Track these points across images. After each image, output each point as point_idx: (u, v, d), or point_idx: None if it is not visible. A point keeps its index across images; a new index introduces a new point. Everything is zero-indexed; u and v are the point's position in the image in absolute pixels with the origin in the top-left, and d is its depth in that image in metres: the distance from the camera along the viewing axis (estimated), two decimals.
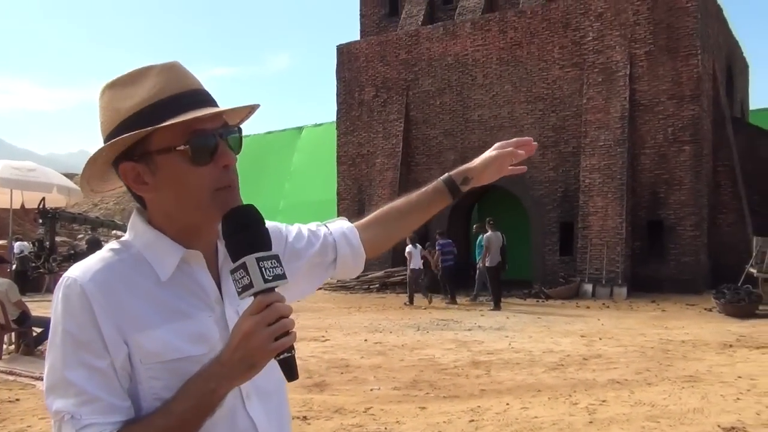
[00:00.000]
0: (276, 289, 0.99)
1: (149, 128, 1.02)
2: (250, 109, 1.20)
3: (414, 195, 1.48)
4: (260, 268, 0.97)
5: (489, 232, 13.83)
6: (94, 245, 19.18)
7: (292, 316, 0.98)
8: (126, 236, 1.12)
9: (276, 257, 1.00)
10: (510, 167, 1.56)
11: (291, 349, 0.97)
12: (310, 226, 1.44)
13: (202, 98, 1.08)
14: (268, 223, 1.24)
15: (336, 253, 1.41)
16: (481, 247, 14.62)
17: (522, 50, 17.96)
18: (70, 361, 0.98)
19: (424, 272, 17.32)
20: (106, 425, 0.97)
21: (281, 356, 0.97)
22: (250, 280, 0.96)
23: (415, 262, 15.10)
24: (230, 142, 1.09)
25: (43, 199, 14.55)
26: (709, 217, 16.70)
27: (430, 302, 14.78)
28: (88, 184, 1.14)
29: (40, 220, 18.36)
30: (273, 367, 1.16)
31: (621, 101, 16.44)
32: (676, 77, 16.05)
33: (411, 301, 14.90)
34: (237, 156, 1.11)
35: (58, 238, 19.55)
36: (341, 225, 1.46)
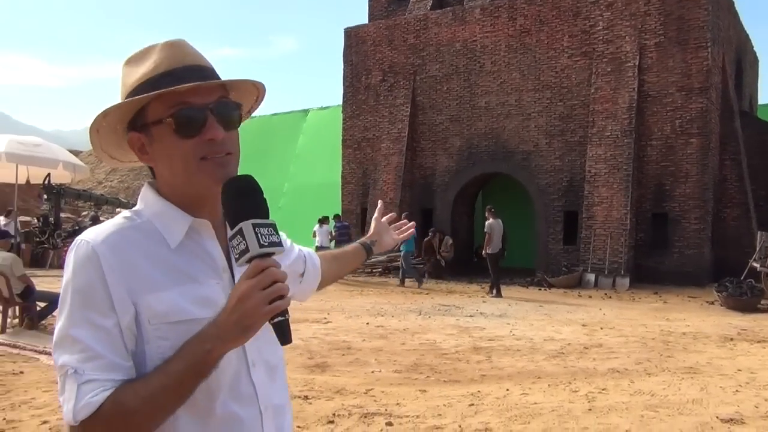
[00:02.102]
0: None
1: (121, 102, 1.10)
2: (256, 90, 1.25)
3: (343, 250, 1.82)
4: (256, 234, 1.00)
5: (491, 219, 13.83)
6: (96, 222, 19.27)
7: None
8: (137, 206, 1.17)
9: (273, 225, 1.04)
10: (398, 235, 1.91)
11: (285, 313, 1.00)
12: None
13: (199, 74, 1.11)
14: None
15: (305, 267, 1.52)
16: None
17: (531, 38, 17.84)
18: (76, 319, 1.02)
19: (428, 258, 17.44)
20: (107, 381, 1.00)
21: (275, 320, 0.99)
22: (246, 246, 0.99)
23: (320, 240, 16.90)
24: (222, 117, 1.12)
25: (48, 174, 14.59)
26: (714, 210, 16.66)
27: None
28: (103, 152, 1.21)
29: (45, 196, 18.41)
30: (278, 345, 1.19)
31: (629, 92, 16.35)
32: (685, 69, 15.94)
33: None
34: (233, 130, 1.15)
35: (62, 215, 19.60)
36: (305, 248, 1.61)
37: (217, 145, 1.10)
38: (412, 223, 1.95)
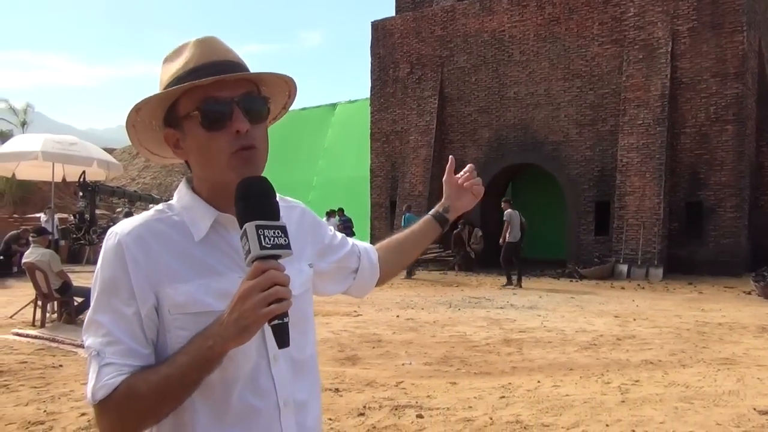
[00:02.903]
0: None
1: (149, 97, 1.13)
2: (286, 86, 1.26)
3: (410, 230, 1.63)
4: (259, 235, 1.00)
5: (510, 210, 13.91)
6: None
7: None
8: (172, 199, 1.22)
9: (281, 228, 1.03)
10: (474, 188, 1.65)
11: (284, 316, 1.00)
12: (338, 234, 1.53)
13: (227, 68, 1.13)
14: (313, 216, 1.38)
15: (359, 263, 1.49)
16: (404, 226, 15.69)
17: (560, 26, 17.61)
18: (101, 305, 1.10)
19: (458, 250, 17.40)
20: (124, 366, 1.06)
21: (273, 322, 0.99)
22: (249, 247, 1.00)
23: None
24: (248, 110, 1.14)
25: (84, 172, 14.85)
26: (751, 198, 16.29)
27: None
28: (143, 147, 1.26)
29: (81, 193, 18.77)
30: (306, 338, 1.22)
31: (662, 79, 16.04)
32: (720, 54, 15.58)
33: None
34: (260, 124, 1.17)
35: (97, 211, 19.97)
36: (363, 243, 1.56)
37: (243, 138, 1.12)
38: (478, 180, 1.65)
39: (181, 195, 1.21)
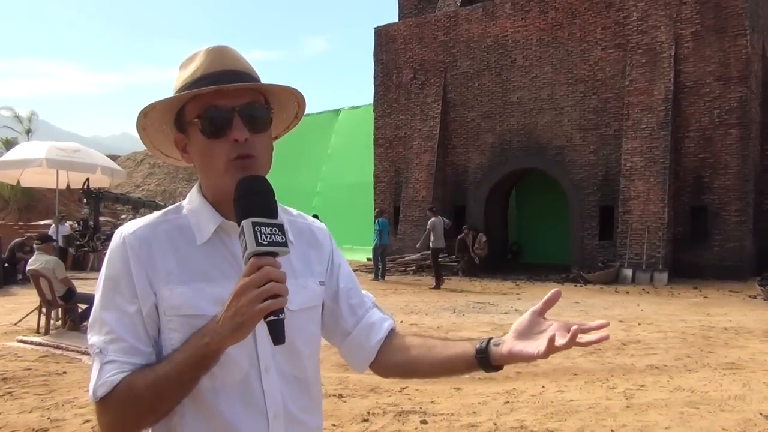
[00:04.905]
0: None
1: (154, 102, 1.16)
2: (294, 98, 1.25)
3: (450, 351, 1.28)
4: (255, 232, 1.00)
5: (434, 218, 14.85)
6: None
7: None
8: (184, 201, 1.25)
9: (279, 226, 1.03)
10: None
11: (279, 312, 1.00)
12: (367, 293, 1.43)
13: (233, 77, 1.14)
14: (331, 240, 1.38)
15: (351, 332, 1.38)
16: (377, 230, 16.59)
17: (563, 31, 17.61)
18: (106, 303, 1.12)
19: (462, 255, 17.37)
20: (126, 364, 1.07)
21: (268, 318, 0.99)
22: (246, 244, 1.00)
23: None
24: (248, 119, 1.14)
25: (88, 179, 14.88)
26: (756, 202, 16.23)
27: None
28: (155, 149, 1.29)
29: (85, 200, 18.82)
30: (303, 356, 1.21)
31: (665, 83, 16.03)
32: (723, 58, 15.56)
33: None
34: (260, 134, 1.17)
35: (101, 218, 20.01)
36: (388, 324, 1.39)
37: (242, 147, 1.13)
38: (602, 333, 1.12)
39: (192, 198, 1.23)
